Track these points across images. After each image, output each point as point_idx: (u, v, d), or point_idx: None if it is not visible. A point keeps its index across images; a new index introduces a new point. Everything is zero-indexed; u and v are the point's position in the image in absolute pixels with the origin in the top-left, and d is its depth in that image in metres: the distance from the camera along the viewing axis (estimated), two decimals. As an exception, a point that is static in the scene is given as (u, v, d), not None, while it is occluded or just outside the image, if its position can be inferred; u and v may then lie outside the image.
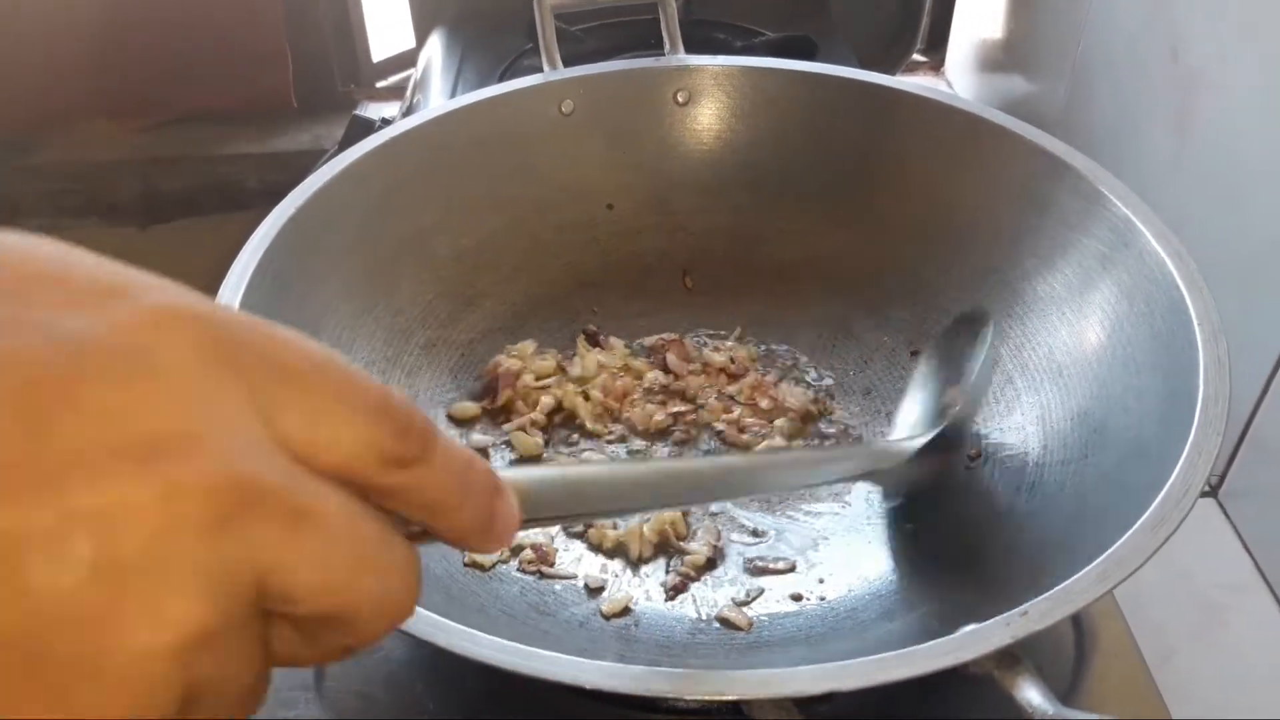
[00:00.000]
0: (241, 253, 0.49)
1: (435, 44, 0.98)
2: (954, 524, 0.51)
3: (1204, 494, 0.69)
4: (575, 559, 0.51)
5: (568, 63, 0.64)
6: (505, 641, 0.34)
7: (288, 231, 0.51)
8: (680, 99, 0.63)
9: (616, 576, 0.50)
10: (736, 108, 0.64)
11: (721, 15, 0.91)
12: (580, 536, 0.52)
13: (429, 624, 0.35)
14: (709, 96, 0.63)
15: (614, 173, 0.64)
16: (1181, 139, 0.70)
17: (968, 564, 0.48)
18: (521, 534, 0.50)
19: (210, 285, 0.48)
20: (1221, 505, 0.70)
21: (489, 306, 0.61)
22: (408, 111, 0.97)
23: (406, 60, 1.12)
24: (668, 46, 0.63)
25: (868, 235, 0.62)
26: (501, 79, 0.84)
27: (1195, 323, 0.45)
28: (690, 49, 0.65)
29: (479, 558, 0.49)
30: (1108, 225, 0.52)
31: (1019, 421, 0.54)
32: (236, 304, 0.46)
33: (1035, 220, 0.56)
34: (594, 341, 0.62)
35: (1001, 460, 0.53)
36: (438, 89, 0.90)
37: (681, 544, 0.51)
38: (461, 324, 0.60)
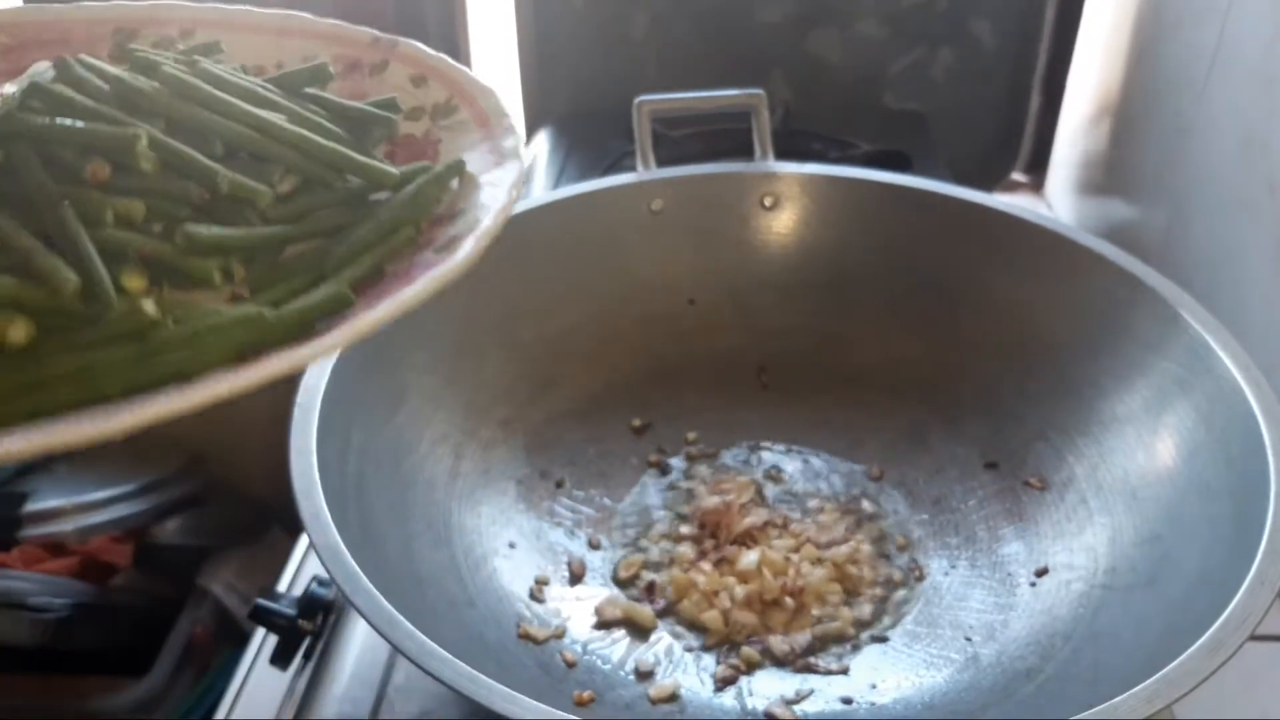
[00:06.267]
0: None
1: (543, 139, 1.03)
2: (1015, 640, 0.50)
3: (1296, 639, 0.66)
4: (629, 642, 0.51)
5: (666, 165, 0.67)
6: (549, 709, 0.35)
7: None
8: (767, 203, 0.66)
9: (668, 661, 0.50)
10: (822, 214, 0.65)
11: (819, 127, 0.94)
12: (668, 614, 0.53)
13: (482, 687, 0.36)
14: (795, 202, 0.65)
15: (698, 270, 0.66)
16: (1280, 271, 0.69)
17: (1025, 680, 0.47)
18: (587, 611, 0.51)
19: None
20: (1315, 652, 0.67)
21: (567, 390, 0.63)
22: (513, 202, 1.01)
23: (517, 154, 1.17)
24: (758, 153, 0.66)
25: (945, 345, 0.63)
26: (604, 176, 0.88)
27: (1269, 452, 0.44)
28: (786, 158, 0.67)
29: (533, 630, 0.50)
30: (1186, 348, 0.52)
31: (1089, 542, 0.53)
32: (327, 374, 0.49)
33: (1113, 340, 0.56)
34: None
35: (1067, 580, 0.52)
36: (541, 182, 0.95)
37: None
38: (539, 404, 0.62)
